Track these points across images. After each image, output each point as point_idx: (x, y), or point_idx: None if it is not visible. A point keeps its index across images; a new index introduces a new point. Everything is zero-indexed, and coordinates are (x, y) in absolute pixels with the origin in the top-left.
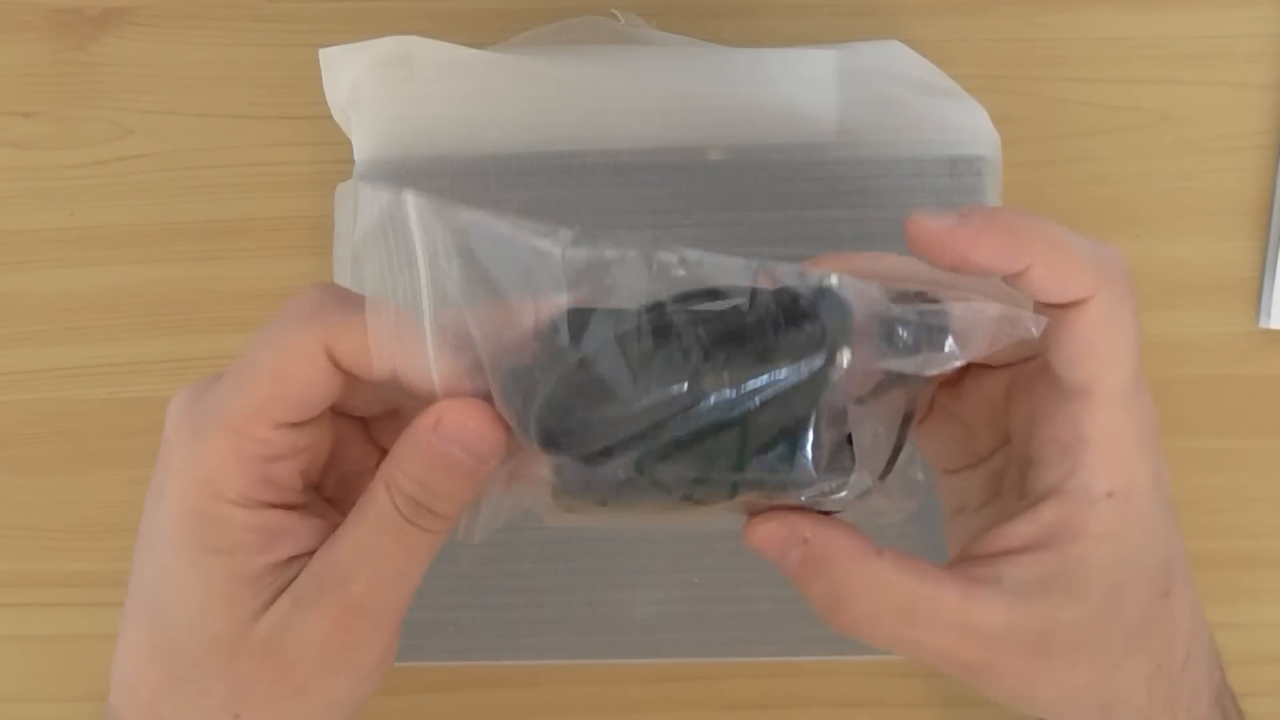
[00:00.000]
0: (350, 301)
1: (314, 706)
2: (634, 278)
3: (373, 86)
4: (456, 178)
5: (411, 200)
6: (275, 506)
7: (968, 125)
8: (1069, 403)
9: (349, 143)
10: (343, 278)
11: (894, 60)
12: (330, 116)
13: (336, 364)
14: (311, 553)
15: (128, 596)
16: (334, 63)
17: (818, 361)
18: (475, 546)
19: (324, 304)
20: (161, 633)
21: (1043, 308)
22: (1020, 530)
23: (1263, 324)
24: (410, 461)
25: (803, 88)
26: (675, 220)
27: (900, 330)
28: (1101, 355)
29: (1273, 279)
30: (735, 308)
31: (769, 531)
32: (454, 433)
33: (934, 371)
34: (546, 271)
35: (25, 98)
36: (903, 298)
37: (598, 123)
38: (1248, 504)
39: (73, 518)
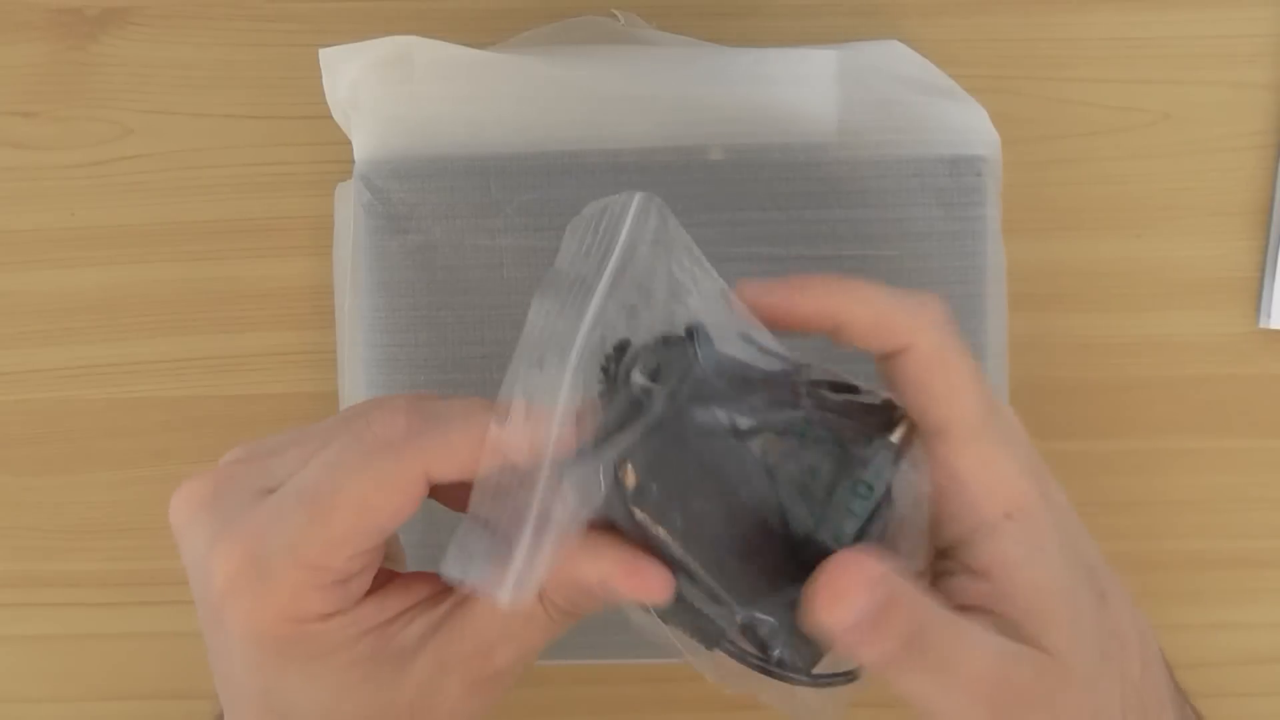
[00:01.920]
0: (440, 416)
1: None
2: None
3: (372, 86)
4: (456, 177)
5: (638, 197)
6: (361, 600)
7: (968, 125)
8: (934, 449)
9: (349, 143)
10: (342, 278)
11: (894, 60)
12: (330, 116)
13: (431, 480)
14: (406, 605)
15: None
16: (334, 63)
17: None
18: None
19: (413, 427)
20: None
21: (877, 364)
22: (962, 589)
23: (1263, 324)
24: (569, 595)
25: (803, 88)
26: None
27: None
28: (939, 394)
29: (1273, 279)
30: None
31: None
32: (619, 586)
33: None
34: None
35: (25, 98)
36: None
37: (598, 122)
38: (1248, 504)
39: (73, 518)
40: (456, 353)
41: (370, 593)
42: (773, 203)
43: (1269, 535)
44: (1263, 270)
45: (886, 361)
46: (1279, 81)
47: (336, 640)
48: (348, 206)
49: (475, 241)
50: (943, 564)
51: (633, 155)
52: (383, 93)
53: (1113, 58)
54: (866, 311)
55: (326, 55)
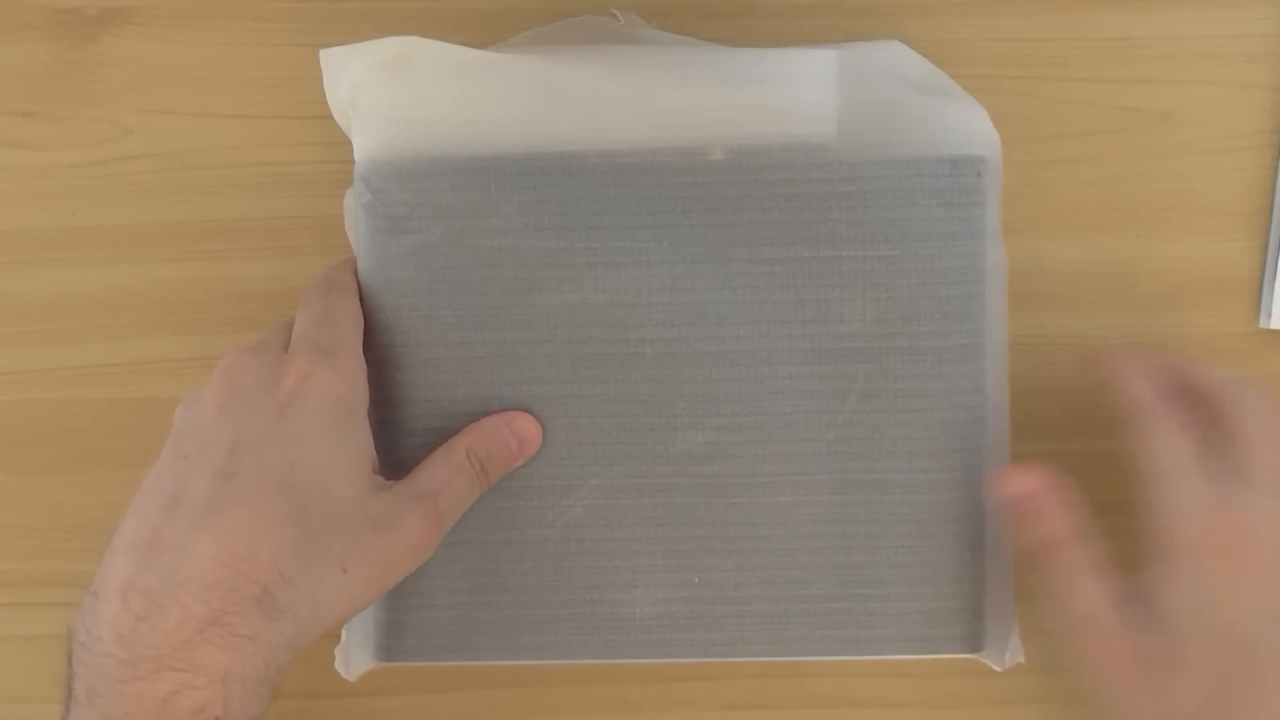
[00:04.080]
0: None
1: (393, 576)
2: None
3: (373, 87)
4: (456, 178)
5: None
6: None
7: (968, 125)
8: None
9: (349, 143)
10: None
11: (894, 60)
12: (330, 116)
13: None
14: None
15: (233, 492)
16: (334, 63)
17: None
18: (475, 545)
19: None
20: (295, 501)
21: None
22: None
23: (1263, 324)
24: (486, 439)
25: (803, 88)
26: (674, 220)
27: None
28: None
29: (1273, 279)
30: None
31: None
32: (524, 431)
33: None
34: None
35: (25, 98)
36: None
37: (597, 123)
38: None
39: (73, 518)
40: (456, 353)
41: None
42: (773, 204)
43: None
44: (1263, 270)
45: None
46: (1279, 81)
47: (366, 428)
48: (355, 212)
49: (475, 241)
50: None
51: (632, 156)
52: (382, 93)
53: (1113, 58)
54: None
55: (327, 56)
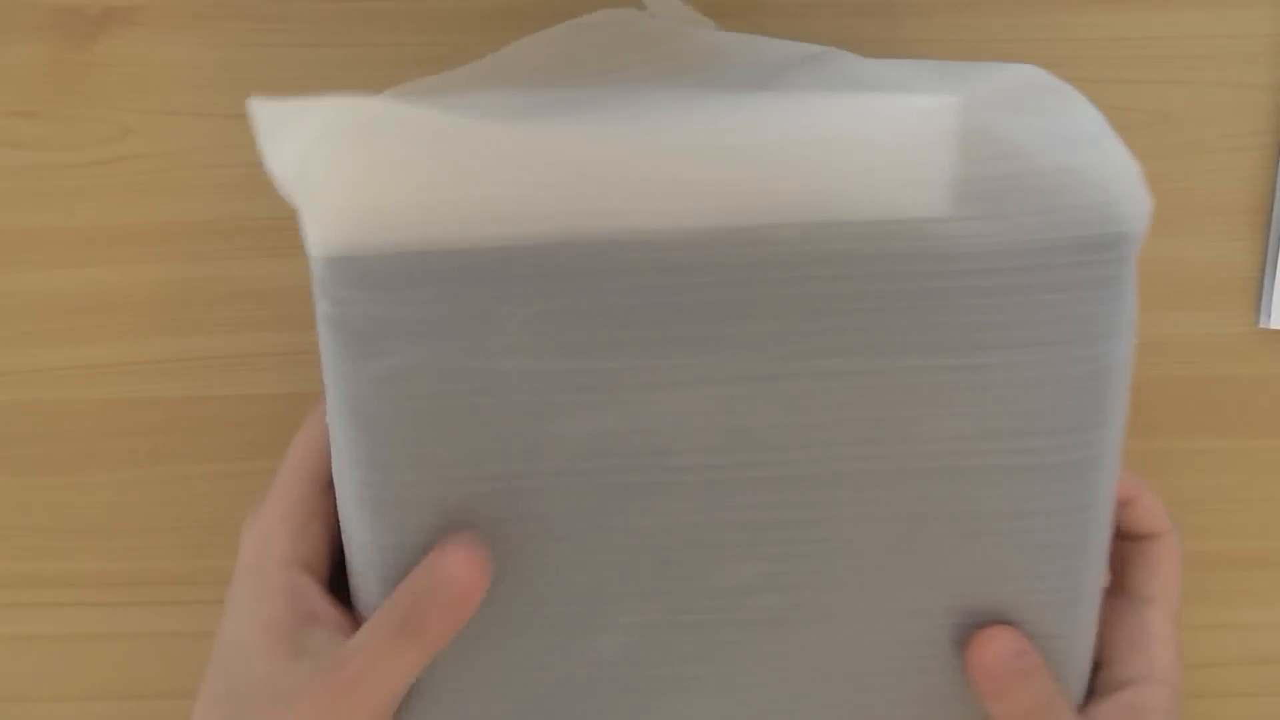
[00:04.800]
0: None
1: None
2: None
3: (328, 160)
4: (443, 283)
5: None
6: (305, 571)
7: (1112, 186)
8: (1140, 610)
9: None
10: None
11: (1025, 96)
12: None
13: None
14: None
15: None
16: (274, 120)
17: None
18: (495, 687)
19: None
20: (225, 680)
21: (1125, 542)
22: (1104, 713)
23: (1263, 324)
24: (406, 590)
25: (912, 154)
26: (725, 329)
27: None
28: (1165, 574)
29: (1273, 279)
30: None
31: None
32: (448, 573)
33: None
34: None
35: (25, 98)
36: None
37: (627, 201)
38: (1248, 504)
39: (73, 518)
40: (457, 491)
41: (318, 593)
42: (854, 304)
43: (1269, 535)
44: (1263, 270)
45: (1133, 541)
46: (1279, 81)
47: (274, 585)
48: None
49: (469, 364)
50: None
51: (673, 245)
52: (341, 171)
53: (1113, 58)
54: (1150, 499)
55: (262, 111)
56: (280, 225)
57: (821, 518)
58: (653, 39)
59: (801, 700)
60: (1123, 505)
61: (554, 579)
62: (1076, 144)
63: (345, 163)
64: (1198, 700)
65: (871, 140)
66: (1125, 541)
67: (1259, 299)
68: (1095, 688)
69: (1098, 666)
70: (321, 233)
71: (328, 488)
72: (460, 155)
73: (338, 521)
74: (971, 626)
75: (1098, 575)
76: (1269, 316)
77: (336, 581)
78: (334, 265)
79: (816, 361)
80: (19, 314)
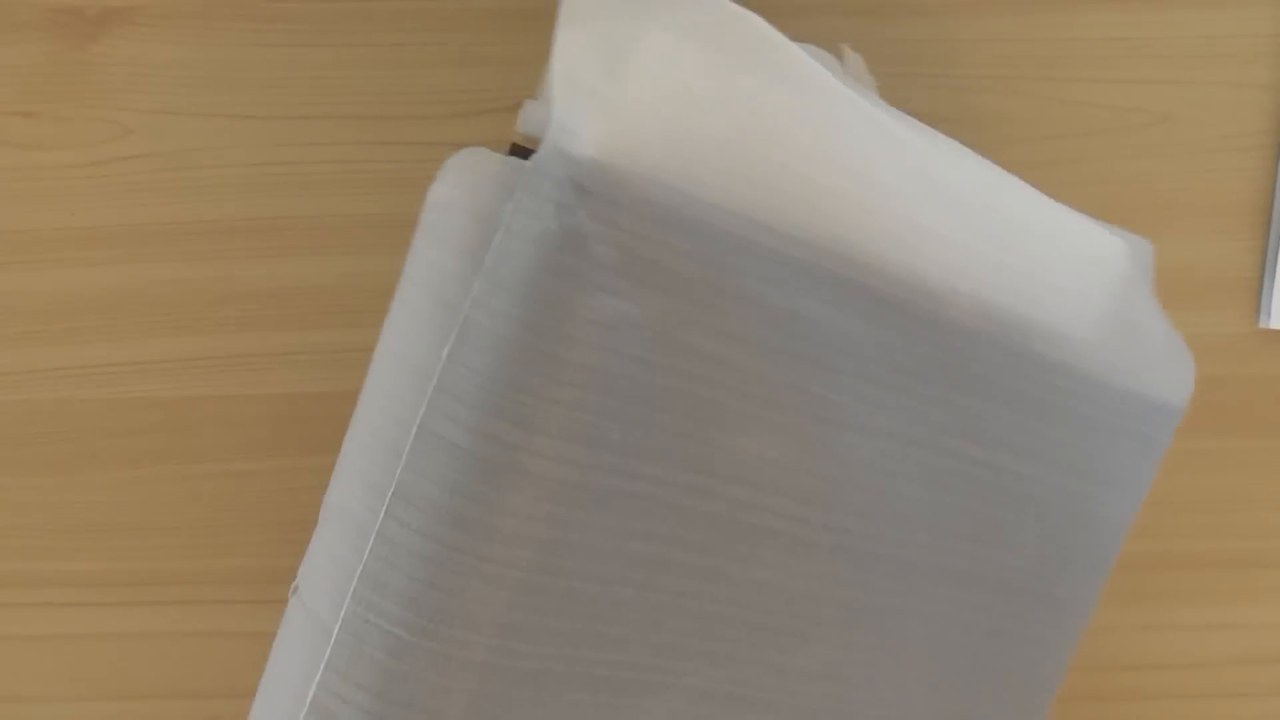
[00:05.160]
0: None
1: None
2: None
3: (671, 64)
4: (709, 242)
5: None
6: None
7: (1178, 369)
8: None
9: (352, 143)
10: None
11: (1142, 267)
12: (328, 116)
13: None
14: None
15: None
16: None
17: None
18: None
19: None
20: None
21: None
22: None
23: (1263, 324)
24: None
25: (1082, 273)
26: (909, 385)
27: None
28: None
29: (1273, 279)
30: None
31: None
32: None
33: None
34: None
35: (25, 98)
36: None
37: (874, 225)
38: (1248, 504)
39: (73, 518)
40: (599, 480)
41: None
42: (1001, 395)
43: (1269, 535)
44: (1263, 270)
45: None
46: (1279, 81)
47: None
48: (476, 195)
49: (690, 340)
50: None
51: (894, 285)
52: (678, 80)
53: (1113, 58)
54: None
55: None
56: (280, 225)
57: (905, 609)
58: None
59: None
60: None
61: (645, 619)
62: (1163, 319)
63: (689, 70)
64: (1198, 700)
65: (1062, 246)
66: None
67: (1259, 299)
68: None
69: None
70: (610, 129)
71: None
72: (797, 108)
73: None
74: None
75: None
76: (1269, 316)
77: None
78: (610, 175)
79: (958, 441)
80: (19, 314)
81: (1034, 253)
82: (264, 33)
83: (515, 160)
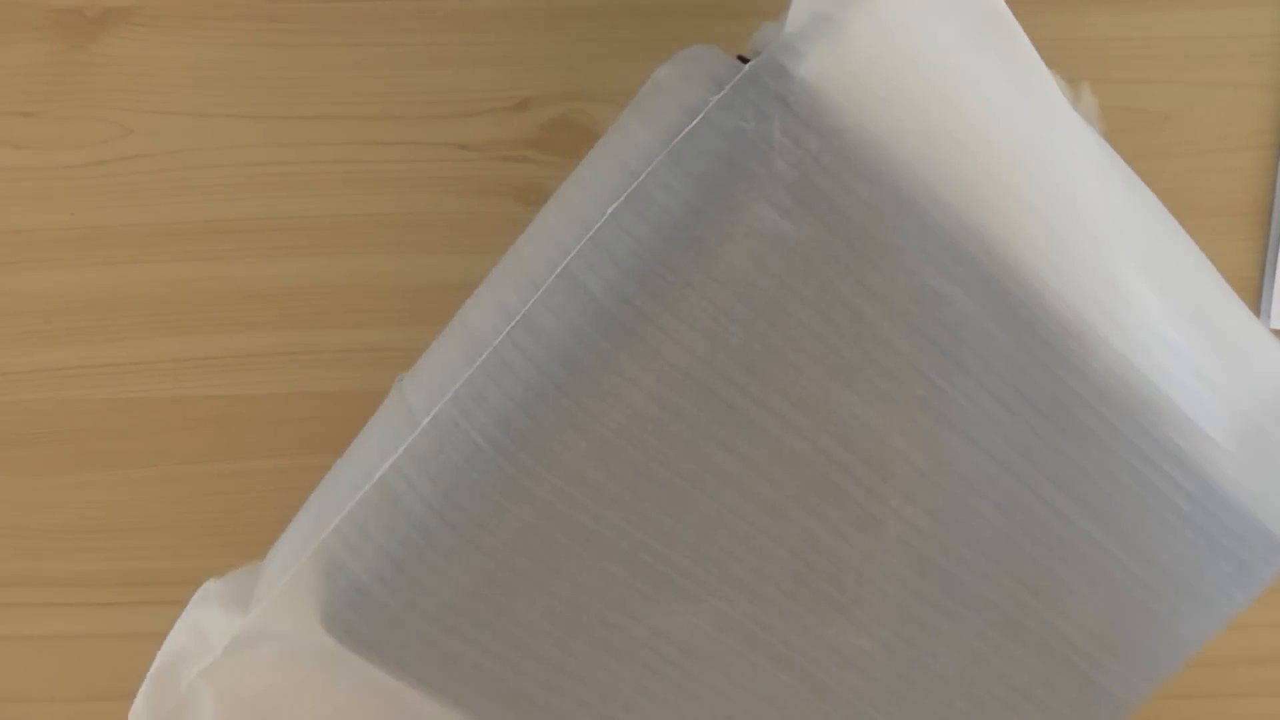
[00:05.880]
0: None
1: None
2: None
3: (907, 13)
4: (887, 204)
5: None
6: None
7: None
8: None
9: (349, 143)
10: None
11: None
12: (329, 116)
13: None
14: None
15: None
16: None
17: None
18: (527, 583)
19: None
20: None
21: None
22: None
23: (1263, 324)
24: None
25: (1237, 370)
26: (1021, 408)
27: None
28: None
29: (1273, 279)
30: None
31: None
32: None
33: None
34: None
35: (25, 98)
36: None
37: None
38: None
39: (73, 518)
40: (711, 384)
41: None
42: (1106, 462)
43: None
44: (1263, 270)
45: None
46: (1279, 81)
47: None
48: (689, 83)
49: (841, 282)
50: None
51: (1044, 311)
52: (912, 37)
53: (1113, 58)
54: None
55: None
56: (280, 225)
57: (941, 629)
58: None
59: None
60: None
61: (702, 525)
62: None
63: (916, 29)
64: (1198, 700)
65: (1229, 343)
66: None
67: (1259, 299)
68: None
69: None
70: (828, 62)
71: None
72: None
73: None
74: None
75: None
76: (1269, 316)
77: None
78: (823, 103)
79: (1056, 492)
80: (19, 314)
81: (1197, 338)
82: (264, 33)
83: (735, 62)
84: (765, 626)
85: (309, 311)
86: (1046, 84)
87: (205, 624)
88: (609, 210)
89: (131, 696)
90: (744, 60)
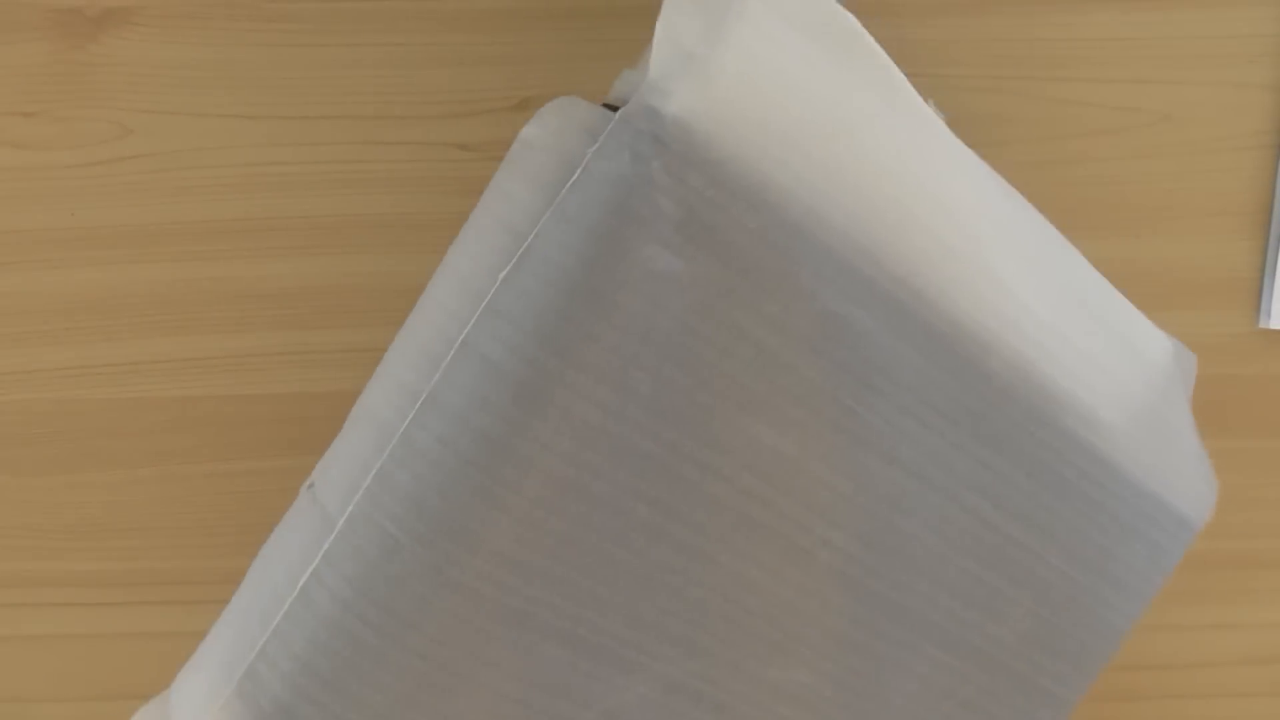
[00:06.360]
0: None
1: None
2: None
3: (764, 43)
4: (776, 234)
5: None
6: None
7: (1202, 486)
8: None
9: (349, 143)
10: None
11: (1182, 374)
12: (329, 116)
13: None
14: None
15: None
16: None
17: None
18: (470, 679)
19: None
20: None
21: None
22: None
23: (1263, 324)
24: None
25: (1122, 358)
26: (937, 427)
27: None
28: None
29: (1273, 279)
30: None
31: None
32: None
33: None
34: None
35: (25, 98)
36: None
37: (946, 262)
38: (1248, 504)
39: (73, 518)
40: (619, 433)
41: None
42: (1023, 462)
43: (1269, 535)
44: (1263, 270)
45: None
46: (1279, 81)
47: None
48: (562, 137)
49: (737, 318)
50: None
51: (945, 323)
52: (772, 61)
53: (1113, 58)
54: None
55: None
56: (280, 225)
57: (885, 656)
58: None
59: None
60: None
61: (634, 587)
62: (1196, 434)
63: (782, 53)
64: (1198, 700)
65: (1113, 329)
66: None
67: (1259, 299)
68: None
69: None
70: (698, 97)
71: None
72: (876, 117)
73: None
74: None
75: None
76: (1269, 316)
77: None
78: (693, 134)
79: (974, 496)
80: (19, 314)
81: (1085, 327)
82: (264, 33)
83: (605, 110)
84: (709, 680)
85: (308, 311)
86: (907, 93)
87: None
88: (501, 275)
89: (132, 696)
90: (611, 109)
